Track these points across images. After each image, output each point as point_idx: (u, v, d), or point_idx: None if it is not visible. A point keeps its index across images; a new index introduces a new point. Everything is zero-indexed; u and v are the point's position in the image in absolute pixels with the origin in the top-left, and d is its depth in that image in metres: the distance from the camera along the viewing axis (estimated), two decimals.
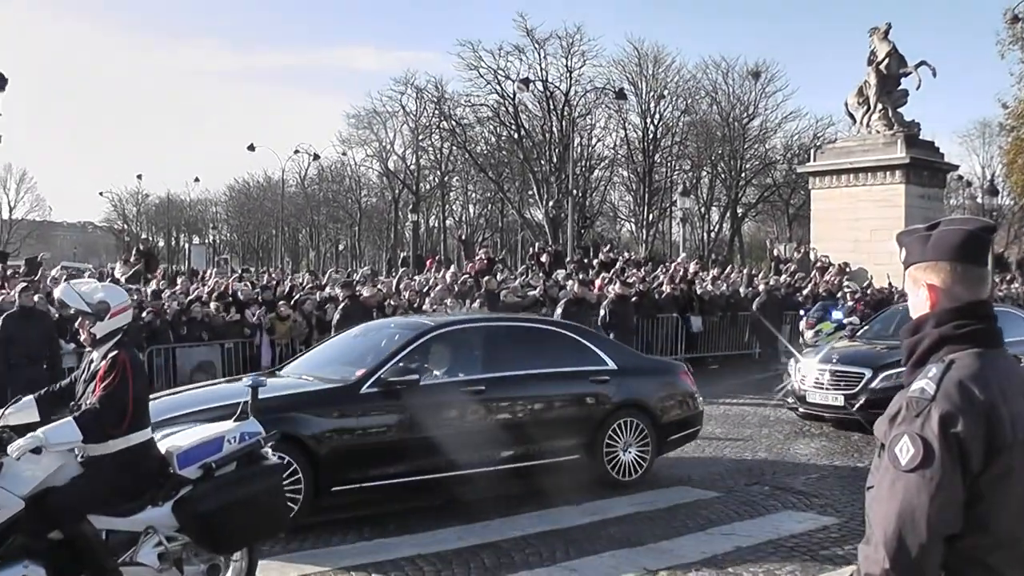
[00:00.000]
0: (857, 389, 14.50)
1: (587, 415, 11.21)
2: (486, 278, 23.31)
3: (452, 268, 29.17)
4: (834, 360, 15.35)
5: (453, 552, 8.55)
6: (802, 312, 23.50)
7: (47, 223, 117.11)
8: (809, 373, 15.34)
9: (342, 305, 17.63)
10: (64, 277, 21.35)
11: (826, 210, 34.43)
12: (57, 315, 16.06)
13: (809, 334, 21.37)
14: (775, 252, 39.35)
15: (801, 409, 15.54)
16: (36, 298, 15.06)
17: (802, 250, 36.07)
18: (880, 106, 33.56)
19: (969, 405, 2.61)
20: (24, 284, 15.56)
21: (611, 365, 11.51)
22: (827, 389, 14.95)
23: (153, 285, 20.91)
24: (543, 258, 32.71)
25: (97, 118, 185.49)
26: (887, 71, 33.56)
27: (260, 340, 18.11)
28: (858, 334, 17.60)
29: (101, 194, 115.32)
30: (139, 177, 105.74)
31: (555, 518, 9.77)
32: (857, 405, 14.28)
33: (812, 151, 39.96)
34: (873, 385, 14.31)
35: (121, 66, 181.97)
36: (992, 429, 2.61)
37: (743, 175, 71.57)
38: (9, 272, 22.02)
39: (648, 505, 10.35)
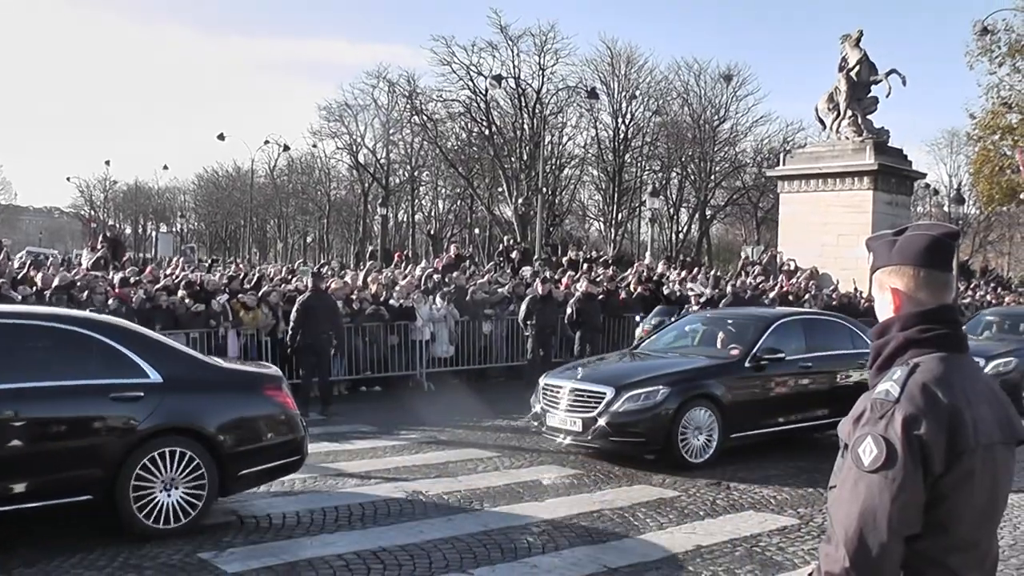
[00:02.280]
0: (596, 412, 12.46)
1: (103, 443, 8.66)
2: (454, 273, 23.33)
3: (423, 263, 29.13)
4: (578, 376, 13.29)
5: (415, 545, 8.56)
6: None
7: (13, 207, 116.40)
8: (562, 390, 13.10)
9: (305, 296, 17.34)
10: (29, 262, 21.24)
11: (794, 214, 34.55)
12: (20, 299, 15.99)
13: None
14: (744, 255, 39.52)
15: (544, 431, 13.36)
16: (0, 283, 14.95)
17: (769, 253, 36.23)
18: (850, 112, 33.71)
19: (932, 408, 2.64)
20: None
21: (153, 377, 8.93)
22: (566, 411, 12.87)
23: (121, 273, 20.75)
24: (512, 255, 32.73)
25: (65, 103, 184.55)
26: (858, 78, 33.72)
27: (226, 331, 18.01)
28: (643, 344, 15.76)
29: (68, 180, 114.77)
30: (107, 163, 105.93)
31: (517, 514, 9.79)
32: (592, 431, 12.49)
33: (782, 155, 40.18)
34: (614, 407, 12.35)
35: (90, 51, 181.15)
36: (955, 432, 2.64)
37: (712, 177, 71.82)
38: None
39: (610, 503, 10.37)
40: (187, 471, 8.91)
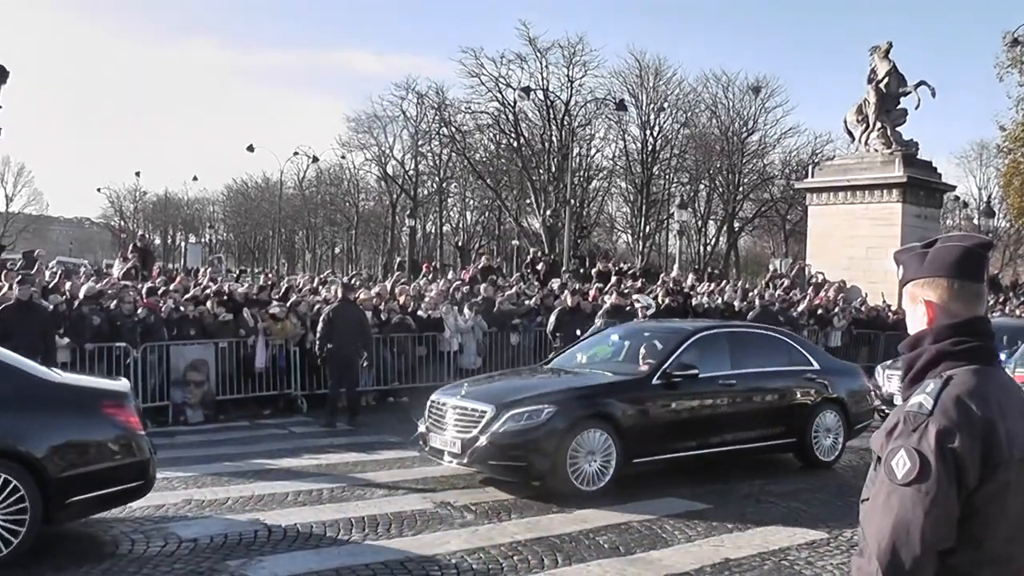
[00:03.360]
0: (476, 432, 11.23)
1: None
2: (483, 285, 23.35)
3: (450, 274, 29.17)
4: (462, 393, 12.09)
5: (442, 556, 8.57)
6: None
7: (44, 217, 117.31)
8: (446, 407, 11.95)
9: (333, 307, 17.44)
10: (60, 272, 21.41)
11: (822, 227, 34.43)
12: (51, 308, 16.11)
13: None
14: (772, 268, 39.37)
15: (427, 452, 12.23)
16: (32, 291, 15.10)
17: (797, 266, 36.10)
18: (879, 124, 33.58)
19: (966, 421, 2.62)
20: (22, 277, 15.58)
21: None
22: (447, 430, 11.66)
23: (149, 283, 20.90)
24: (539, 267, 32.74)
25: (96, 114, 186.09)
26: (887, 90, 33.58)
27: (255, 340, 18.09)
28: (557, 359, 14.50)
29: (99, 190, 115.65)
30: (137, 174, 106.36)
31: (544, 526, 9.77)
32: (470, 453, 11.21)
33: (810, 167, 40.06)
34: (495, 428, 11.09)
35: (121, 63, 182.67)
36: (989, 446, 2.62)
37: (741, 189, 71.68)
38: (8, 264, 22.01)
39: (637, 515, 10.33)
40: (5, 498, 8.05)
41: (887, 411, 16.28)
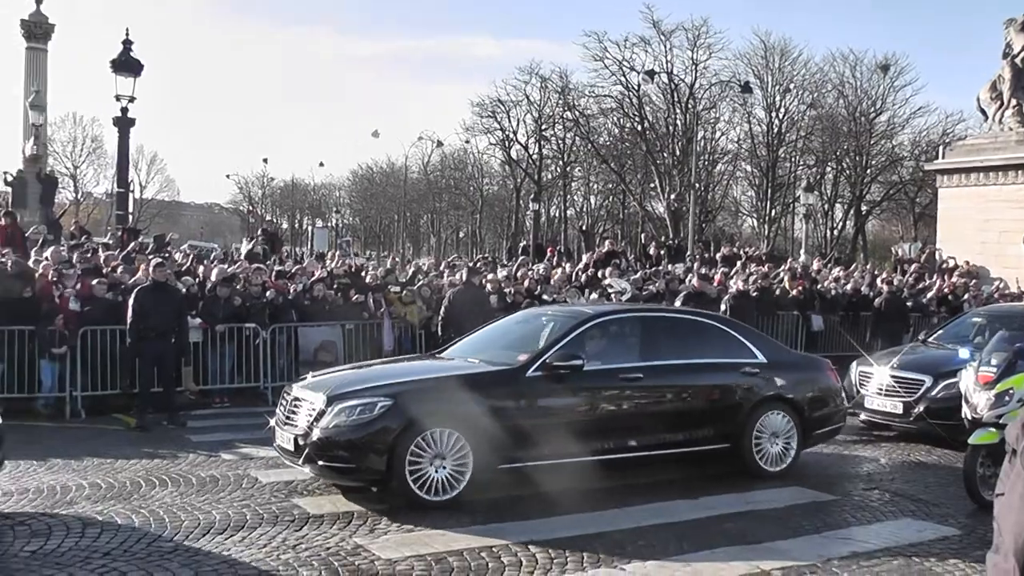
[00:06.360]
0: (308, 428, 9.85)
1: None
2: (608, 269, 23.32)
3: (584, 258, 29.26)
4: (307, 383, 10.73)
5: (566, 540, 8.57)
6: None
7: (175, 203, 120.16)
8: (288, 398, 10.68)
9: (454, 290, 17.65)
10: (192, 256, 22.00)
11: (954, 210, 33.58)
12: (184, 290, 16.57)
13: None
14: (899, 253, 38.54)
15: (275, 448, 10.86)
16: (168, 274, 15.56)
17: (927, 250, 35.30)
18: (1014, 102, 32.49)
19: None
20: (160, 260, 16.03)
21: None
22: (293, 426, 10.18)
23: (278, 266, 21.37)
24: (651, 250, 32.63)
25: (224, 104, 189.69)
26: (1023, 65, 32.56)
27: (381, 322, 18.37)
28: (457, 345, 12.60)
29: (228, 177, 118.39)
30: (265, 161, 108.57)
31: (669, 511, 9.74)
32: (302, 452, 9.84)
33: (941, 148, 39.12)
34: (323, 422, 9.75)
35: (249, 52, 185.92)
36: None
37: (868, 172, 70.25)
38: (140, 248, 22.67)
39: (763, 504, 10.23)
40: None
41: (857, 414, 14.67)
